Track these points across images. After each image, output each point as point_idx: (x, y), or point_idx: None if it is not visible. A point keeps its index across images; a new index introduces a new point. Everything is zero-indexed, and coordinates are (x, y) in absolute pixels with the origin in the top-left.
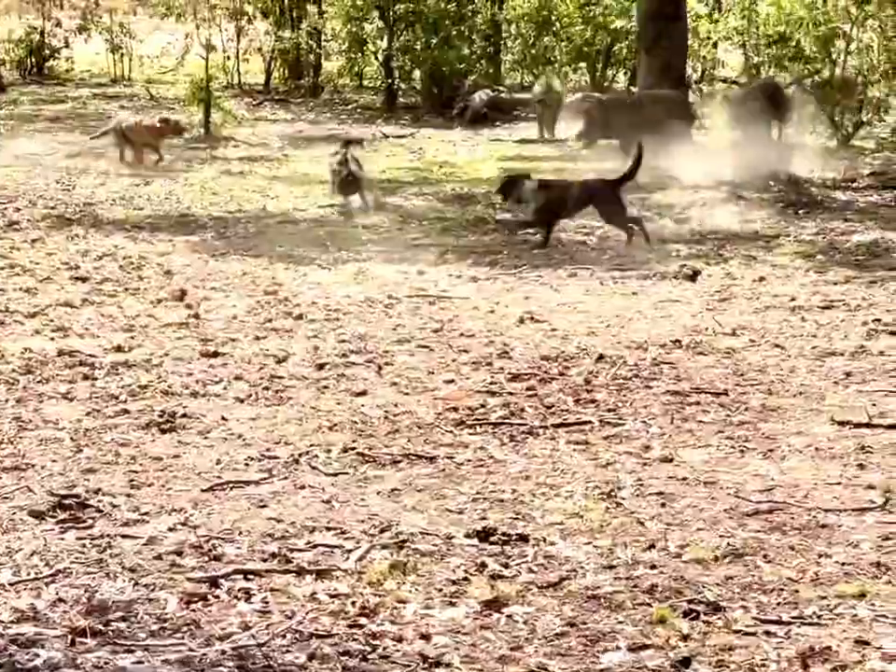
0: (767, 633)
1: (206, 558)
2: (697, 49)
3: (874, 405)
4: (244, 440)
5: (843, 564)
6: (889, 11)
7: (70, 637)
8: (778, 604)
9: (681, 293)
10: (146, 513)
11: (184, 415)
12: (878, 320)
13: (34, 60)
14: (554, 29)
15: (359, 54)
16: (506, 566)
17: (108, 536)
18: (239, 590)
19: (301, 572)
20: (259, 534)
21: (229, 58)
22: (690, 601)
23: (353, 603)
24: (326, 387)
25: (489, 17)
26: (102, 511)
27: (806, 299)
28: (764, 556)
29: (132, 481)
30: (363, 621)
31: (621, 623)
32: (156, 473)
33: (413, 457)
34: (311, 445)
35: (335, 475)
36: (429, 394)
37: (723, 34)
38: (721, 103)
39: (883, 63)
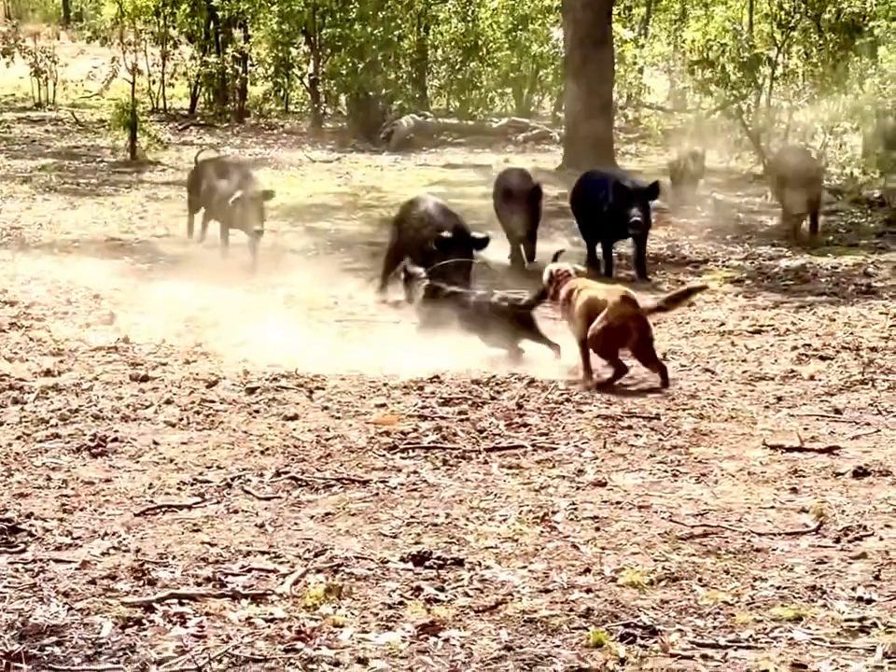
0: (704, 656)
1: (141, 582)
2: (623, 74)
3: (805, 429)
4: (175, 464)
5: (778, 587)
6: (815, 37)
7: (4, 661)
8: (715, 628)
9: None
10: (78, 538)
11: (115, 439)
12: (808, 345)
13: None
14: (481, 54)
15: (285, 79)
16: (442, 590)
17: (41, 560)
18: (174, 614)
19: (236, 596)
20: (193, 558)
21: (154, 82)
22: (626, 625)
23: (289, 627)
24: (257, 411)
25: (415, 42)
26: (34, 536)
27: (736, 323)
28: (700, 580)
29: (63, 505)
30: (299, 645)
31: (557, 646)
32: (88, 497)
33: (346, 481)
34: (243, 469)
35: (268, 499)
36: (361, 418)
37: (649, 59)
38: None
39: (808, 89)
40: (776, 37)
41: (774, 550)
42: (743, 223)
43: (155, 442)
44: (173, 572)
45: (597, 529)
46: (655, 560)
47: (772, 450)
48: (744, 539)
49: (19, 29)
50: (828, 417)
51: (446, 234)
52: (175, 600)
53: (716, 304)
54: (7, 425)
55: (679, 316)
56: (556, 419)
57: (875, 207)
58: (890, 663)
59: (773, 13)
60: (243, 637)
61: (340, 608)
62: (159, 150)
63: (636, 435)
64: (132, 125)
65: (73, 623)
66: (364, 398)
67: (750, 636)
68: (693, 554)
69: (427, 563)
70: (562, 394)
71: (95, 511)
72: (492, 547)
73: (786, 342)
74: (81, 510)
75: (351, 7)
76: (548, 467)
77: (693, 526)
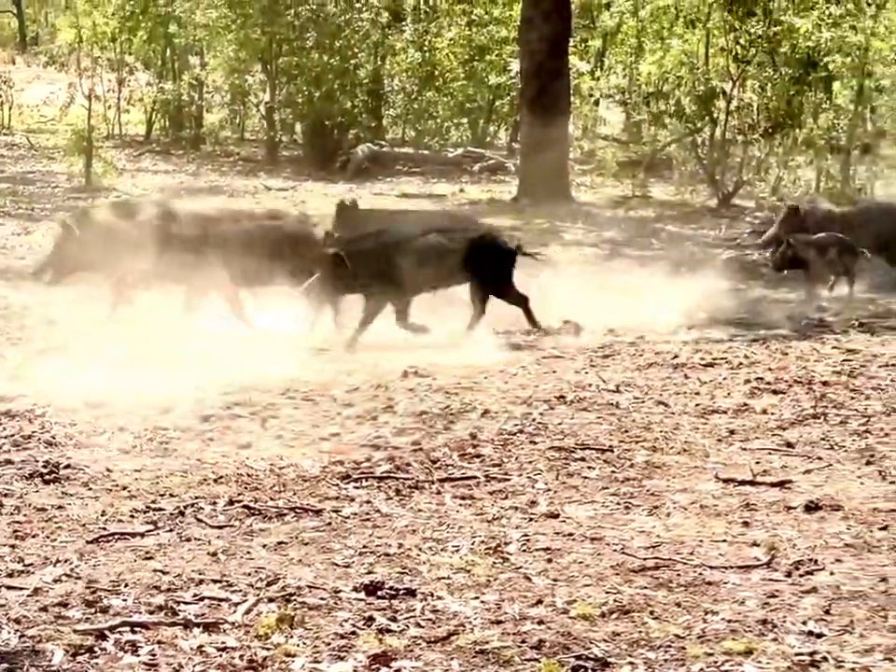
0: None
1: (93, 610)
2: (579, 106)
3: (757, 463)
4: (128, 491)
5: (729, 621)
6: (770, 71)
7: None
8: (666, 660)
9: (565, 349)
10: (30, 564)
11: (68, 466)
12: (761, 378)
13: None
14: (437, 84)
15: (241, 106)
16: (394, 620)
17: None
18: (126, 642)
19: (188, 625)
20: (146, 586)
21: (110, 108)
22: (578, 657)
23: (241, 657)
24: (211, 439)
25: (372, 71)
26: None
27: (689, 356)
28: (651, 613)
29: (16, 531)
30: None
31: None
32: (40, 524)
33: (299, 510)
34: (196, 497)
35: (221, 528)
36: (314, 447)
37: (605, 91)
38: None
39: (763, 123)
40: (731, 71)
41: (725, 583)
42: (697, 256)
43: (108, 469)
44: (125, 600)
45: (549, 561)
46: (607, 592)
47: (724, 483)
48: (695, 572)
49: None
50: (780, 451)
51: None
52: (127, 628)
53: (669, 336)
54: None
55: (633, 348)
56: (509, 450)
57: None
58: None
59: (729, 47)
60: (195, 666)
61: (292, 637)
62: (114, 177)
63: (588, 467)
64: (87, 151)
65: (24, 650)
66: (317, 427)
67: (701, 669)
68: (645, 587)
69: (379, 593)
70: (515, 425)
71: (47, 537)
72: (444, 577)
73: (739, 375)
74: (33, 536)
75: (308, 35)
76: (501, 498)
77: (644, 559)
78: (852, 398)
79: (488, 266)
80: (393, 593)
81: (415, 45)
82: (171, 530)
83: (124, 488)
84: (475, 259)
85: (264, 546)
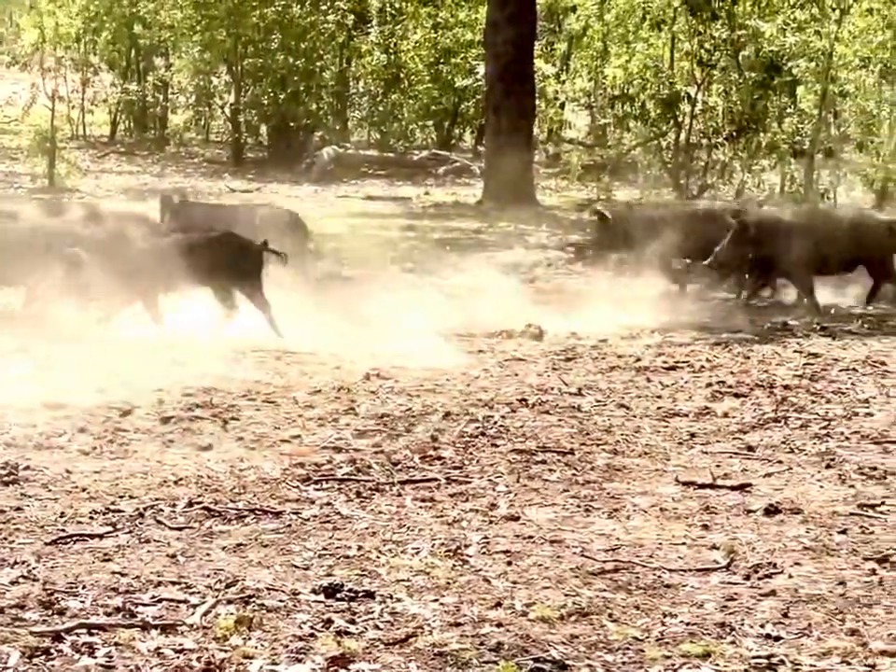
0: None
1: (50, 612)
2: (544, 109)
3: (717, 466)
4: (88, 493)
5: (688, 624)
6: (734, 76)
7: None
8: (624, 663)
9: (527, 352)
10: None
11: (27, 468)
12: (722, 382)
13: None
14: (402, 86)
15: (206, 108)
16: (352, 622)
17: None
18: (83, 644)
19: (145, 627)
20: (104, 588)
21: (74, 108)
22: (536, 659)
23: (199, 658)
24: (171, 441)
25: (337, 73)
26: None
27: (651, 360)
28: (610, 615)
29: None
30: None
31: None
32: None
33: (259, 512)
34: (156, 499)
35: (180, 529)
36: (275, 449)
37: (570, 95)
38: None
39: (727, 127)
40: (696, 75)
41: (684, 586)
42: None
43: (67, 471)
44: (82, 602)
45: (509, 563)
46: (566, 595)
47: (684, 486)
48: (655, 574)
49: None
50: (741, 454)
51: None
52: (84, 630)
53: (632, 340)
54: None
55: (595, 351)
56: (470, 453)
57: None
58: None
59: (694, 51)
60: (151, 668)
61: (250, 639)
62: (77, 177)
63: (549, 470)
64: (50, 152)
65: None
66: (279, 429)
67: (659, 671)
68: (604, 590)
69: (338, 595)
70: (477, 428)
71: (5, 539)
72: (404, 580)
73: (701, 378)
74: None
75: (273, 37)
76: (461, 500)
77: (604, 562)
78: (813, 401)
79: (231, 265)
80: (352, 595)
81: (381, 47)
82: (130, 532)
83: (83, 490)
84: (217, 258)
85: (223, 548)
